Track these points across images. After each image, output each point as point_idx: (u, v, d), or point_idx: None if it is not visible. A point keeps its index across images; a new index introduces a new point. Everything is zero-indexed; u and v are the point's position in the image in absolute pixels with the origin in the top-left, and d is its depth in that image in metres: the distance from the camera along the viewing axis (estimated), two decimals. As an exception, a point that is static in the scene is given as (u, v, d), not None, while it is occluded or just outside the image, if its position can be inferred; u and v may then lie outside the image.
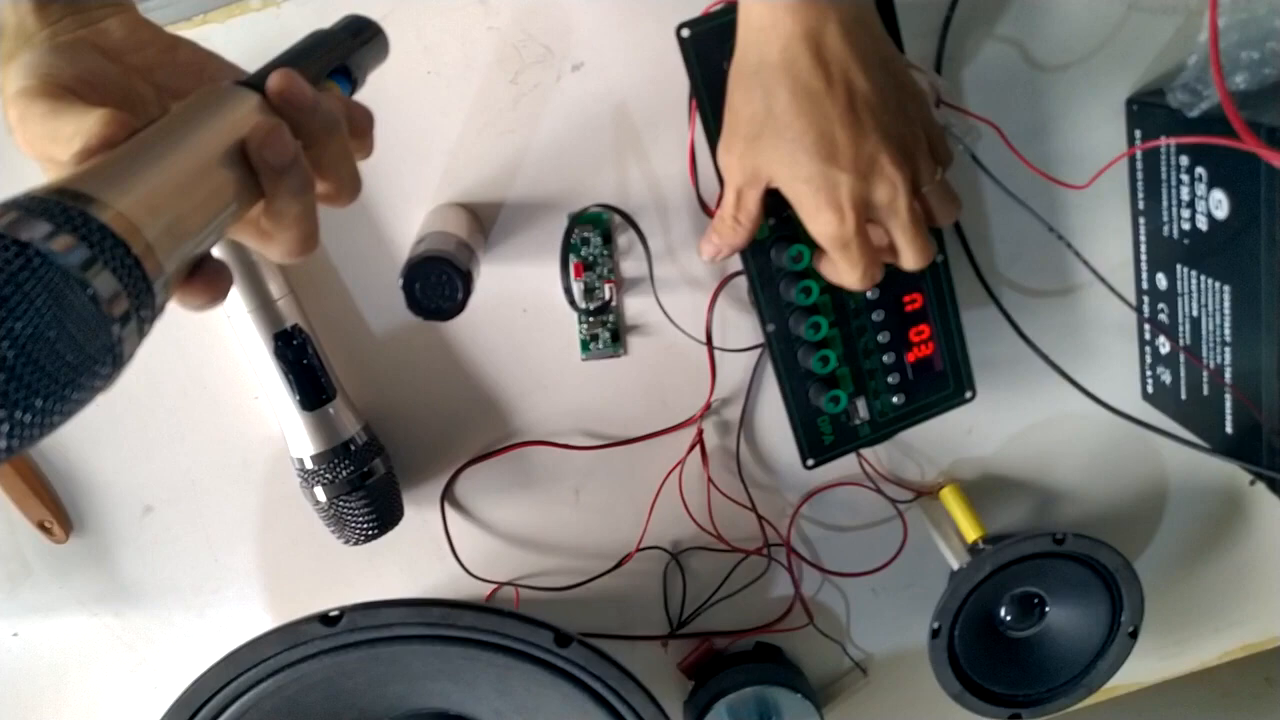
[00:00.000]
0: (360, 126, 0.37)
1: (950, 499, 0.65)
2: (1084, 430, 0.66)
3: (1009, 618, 0.67)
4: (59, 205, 0.24)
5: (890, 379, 0.57)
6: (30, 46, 0.36)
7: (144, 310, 0.26)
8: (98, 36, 0.37)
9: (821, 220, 0.45)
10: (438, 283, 0.47)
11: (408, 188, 0.56)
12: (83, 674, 0.65)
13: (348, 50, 0.38)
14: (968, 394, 0.59)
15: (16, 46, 0.36)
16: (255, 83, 0.33)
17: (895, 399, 0.57)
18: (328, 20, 0.52)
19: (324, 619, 0.50)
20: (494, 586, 0.65)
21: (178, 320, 0.57)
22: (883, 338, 0.56)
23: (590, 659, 0.52)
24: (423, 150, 0.55)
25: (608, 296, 0.58)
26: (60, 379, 0.23)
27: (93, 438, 0.60)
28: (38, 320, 0.22)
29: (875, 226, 0.47)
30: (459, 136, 0.55)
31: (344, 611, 0.51)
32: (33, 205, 0.24)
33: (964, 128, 0.49)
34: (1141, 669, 0.74)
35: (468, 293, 0.47)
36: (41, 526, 0.61)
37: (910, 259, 0.47)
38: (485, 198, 0.57)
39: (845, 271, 0.47)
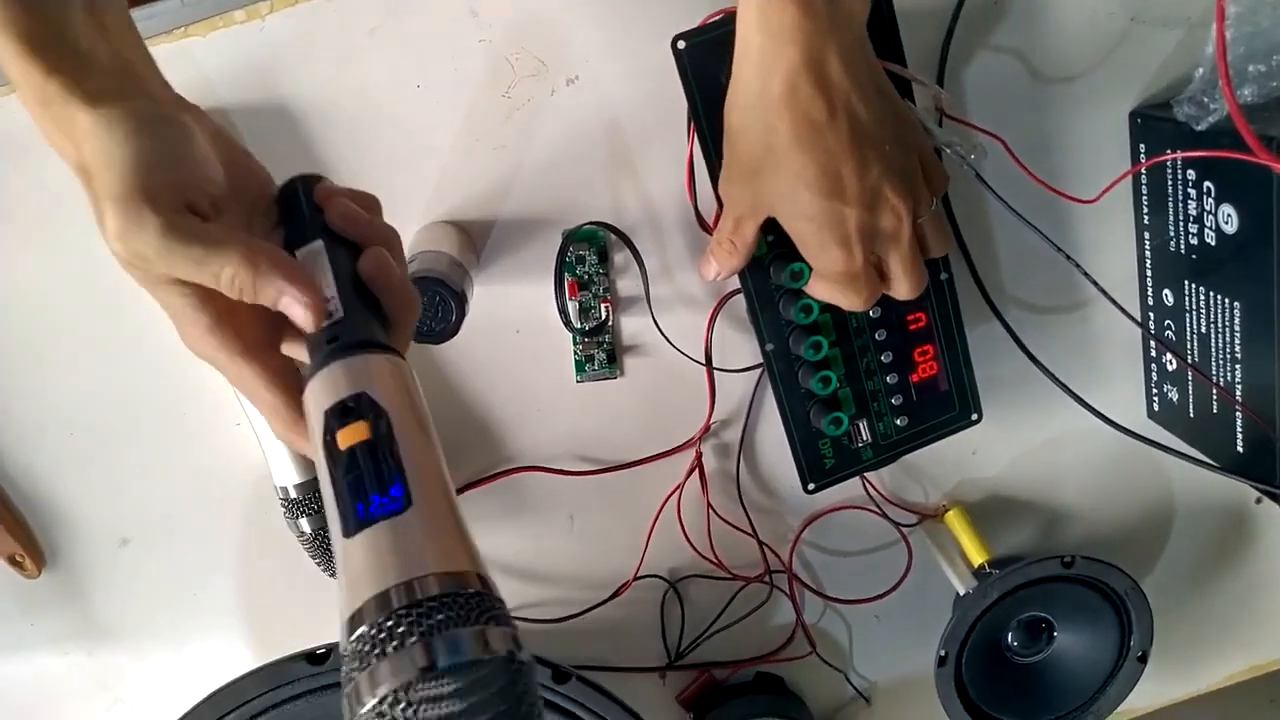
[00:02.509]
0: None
1: (955, 522, 0.63)
2: (1091, 449, 0.65)
3: (1016, 643, 0.65)
4: (481, 602, 0.28)
5: (894, 400, 0.55)
6: (134, 97, 0.34)
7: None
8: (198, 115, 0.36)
9: (828, 257, 0.44)
10: (431, 304, 0.45)
11: (398, 205, 0.54)
12: (54, 715, 0.62)
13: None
14: (974, 416, 0.57)
15: (95, 78, 0.34)
16: (377, 342, 0.34)
17: (899, 421, 0.56)
18: (316, 32, 0.51)
19: (310, 657, 0.48)
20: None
21: (156, 346, 0.55)
22: (886, 358, 0.54)
23: (589, 695, 0.50)
24: (413, 166, 0.53)
25: (604, 316, 0.56)
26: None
27: (67, 468, 0.57)
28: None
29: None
30: (450, 152, 0.53)
31: (331, 649, 0.48)
32: (466, 611, 0.27)
33: (967, 146, 0.48)
34: (1147, 693, 0.72)
35: (462, 314, 0.45)
36: (12, 561, 0.58)
37: (906, 288, 0.47)
38: (477, 215, 0.55)
39: (847, 300, 0.46)
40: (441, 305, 0.45)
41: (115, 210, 0.32)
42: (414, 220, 0.54)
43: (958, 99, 0.55)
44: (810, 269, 0.49)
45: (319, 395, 0.32)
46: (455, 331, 0.46)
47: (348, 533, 0.29)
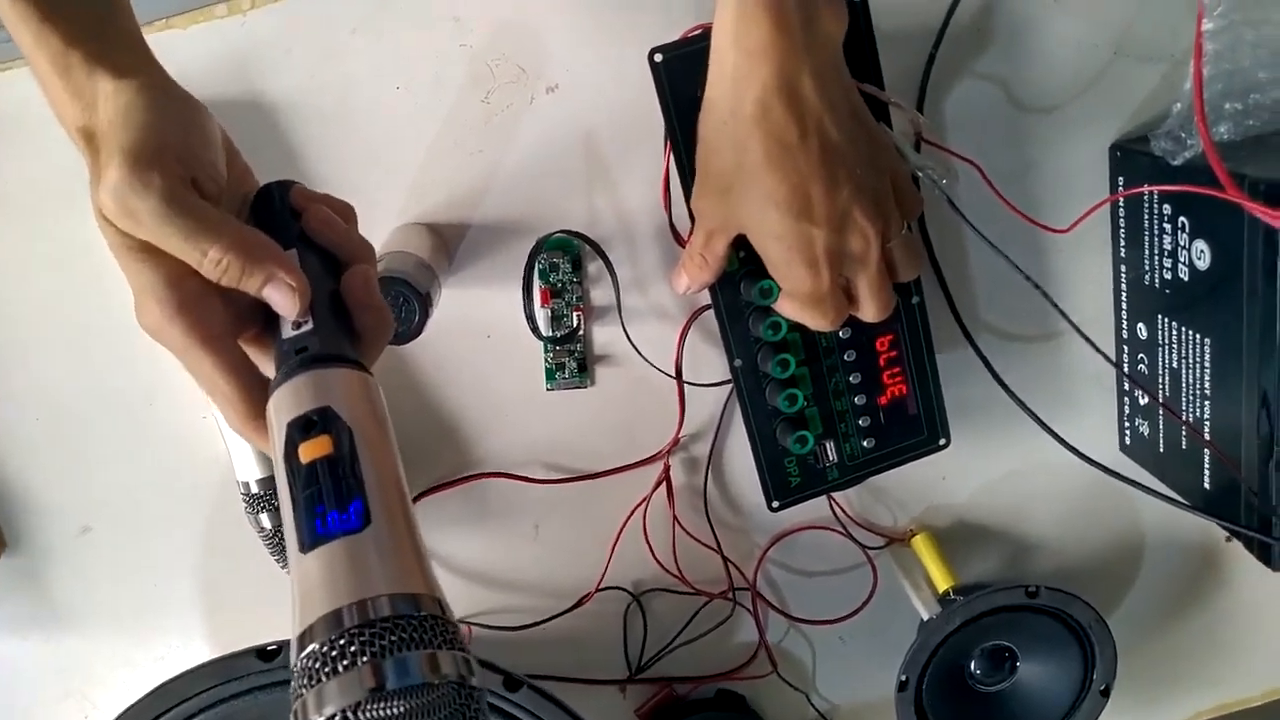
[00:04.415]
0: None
1: (922, 547, 0.63)
2: (1060, 480, 0.65)
3: (979, 671, 0.64)
4: (434, 625, 0.28)
5: (861, 421, 0.55)
6: (155, 72, 0.35)
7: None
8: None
9: (795, 277, 0.44)
10: (395, 305, 0.45)
11: (373, 205, 0.54)
12: (7, 701, 0.62)
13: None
14: (941, 440, 0.57)
15: (117, 52, 0.34)
16: (346, 357, 0.34)
17: (866, 442, 0.56)
18: (297, 29, 0.51)
19: (261, 653, 0.48)
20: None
21: (125, 335, 0.55)
22: (854, 379, 0.54)
23: (541, 705, 0.50)
24: (389, 167, 0.54)
25: (575, 324, 0.56)
26: None
27: (30, 452, 0.57)
28: None
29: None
30: (427, 154, 0.53)
31: (282, 646, 0.48)
32: (418, 633, 0.27)
33: (940, 170, 0.48)
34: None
35: (425, 316, 0.45)
36: (-28, 544, 0.58)
37: (872, 312, 0.47)
38: (451, 218, 0.55)
39: (813, 321, 0.46)
40: (405, 306, 0.45)
41: (123, 163, 0.32)
42: (388, 220, 0.54)
43: (936, 124, 0.56)
44: (779, 287, 0.49)
45: (283, 405, 0.32)
46: (418, 333, 0.45)
47: (303, 548, 0.29)
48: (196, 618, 0.61)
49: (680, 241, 0.55)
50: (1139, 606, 0.69)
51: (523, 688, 0.50)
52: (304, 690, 0.26)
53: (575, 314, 0.56)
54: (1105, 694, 0.63)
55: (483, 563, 0.62)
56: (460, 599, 0.62)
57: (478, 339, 0.57)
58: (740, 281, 0.51)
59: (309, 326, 0.34)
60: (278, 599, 0.61)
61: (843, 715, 0.69)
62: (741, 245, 0.48)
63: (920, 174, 0.48)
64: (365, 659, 0.26)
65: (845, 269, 0.44)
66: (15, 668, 0.61)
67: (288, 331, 0.35)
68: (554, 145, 0.54)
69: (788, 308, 0.48)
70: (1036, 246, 0.59)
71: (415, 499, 0.60)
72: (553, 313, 0.56)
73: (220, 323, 0.35)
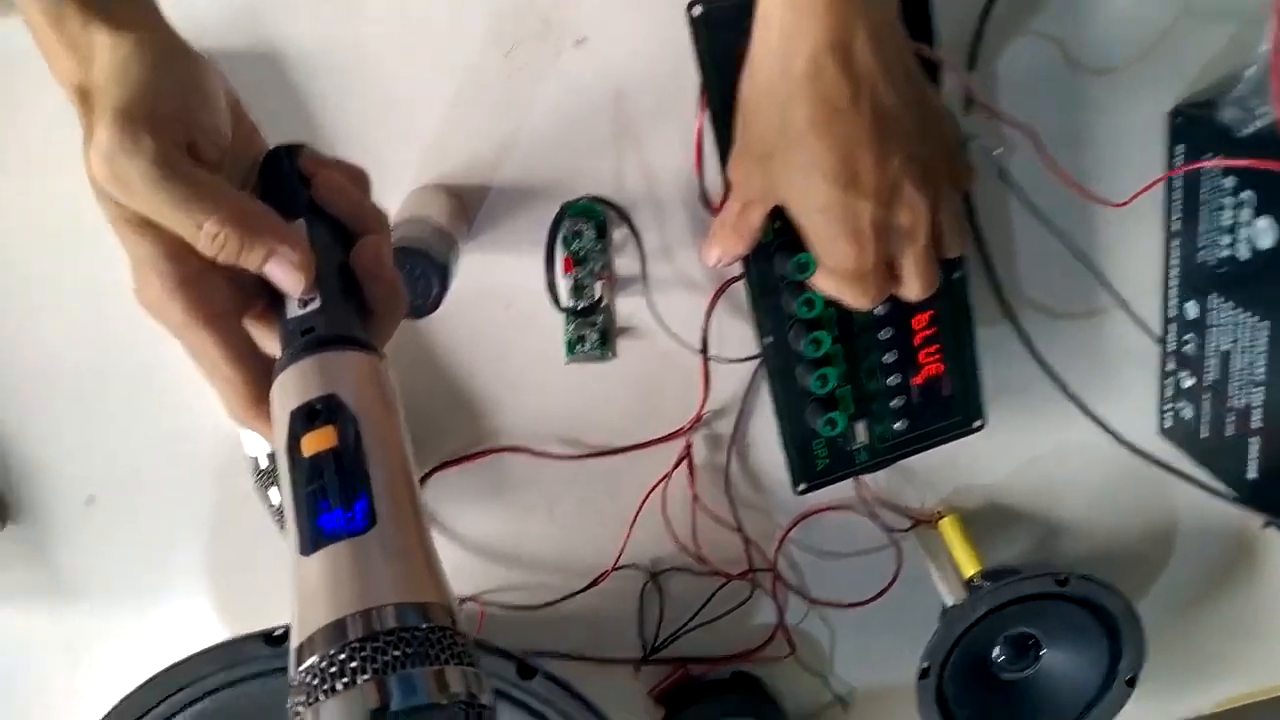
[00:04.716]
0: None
1: (949, 530, 0.61)
2: (1095, 463, 0.62)
3: (1002, 658, 0.63)
4: (443, 638, 0.26)
5: (894, 403, 0.53)
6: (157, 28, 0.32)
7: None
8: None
9: (837, 252, 0.41)
10: (411, 277, 0.42)
11: (386, 166, 0.51)
12: (10, 674, 0.61)
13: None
14: (976, 423, 0.55)
15: (115, 2, 0.31)
16: (355, 339, 0.32)
17: (898, 425, 0.53)
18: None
19: (267, 638, 0.46)
20: (458, 601, 0.60)
21: (130, 300, 0.52)
22: (889, 358, 0.52)
23: (555, 692, 0.48)
24: (406, 126, 0.51)
25: (598, 295, 0.54)
26: None
27: (33, 422, 0.55)
28: None
29: None
30: (446, 113, 0.50)
31: (289, 630, 0.46)
32: (425, 647, 0.25)
33: (994, 140, 0.45)
34: (1133, 713, 0.70)
35: (443, 289, 0.43)
36: (-29, 512, 0.56)
37: (916, 290, 0.44)
38: (471, 180, 0.52)
39: (853, 298, 0.43)
40: (421, 279, 0.42)
41: (113, 124, 0.29)
42: (405, 182, 0.52)
43: (988, 86, 0.52)
44: (816, 261, 0.47)
45: (286, 391, 0.30)
46: (435, 307, 0.43)
47: (304, 549, 0.27)
48: (203, 590, 0.59)
49: (712, 209, 0.52)
50: (1168, 592, 0.67)
51: (537, 675, 0.48)
52: (301, 708, 0.24)
53: (598, 283, 0.54)
54: (1131, 684, 0.61)
55: (496, 538, 0.60)
56: (472, 575, 0.61)
57: (495, 309, 0.55)
58: (774, 254, 0.48)
59: (316, 304, 0.32)
60: (282, 569, 0.59)
61: (860, 698, 0.67)
62: (777, 215, 0.45)
63: (973, 142, 0.45)
64: (367, 676, 0.24)
65: (891, 244, 0.42)
66: (21, 638, 0.60)
67: (293, 310, 0.32)
68: (581, 103, 0.51)
69: (826, 283, 0.46)
70: (1083, 216, 0.56)
71: (427, 474, 0.57)
72: (575, 282, 0.54)
73: (223, 300, 0.32)
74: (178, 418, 0.56)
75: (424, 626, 0.25)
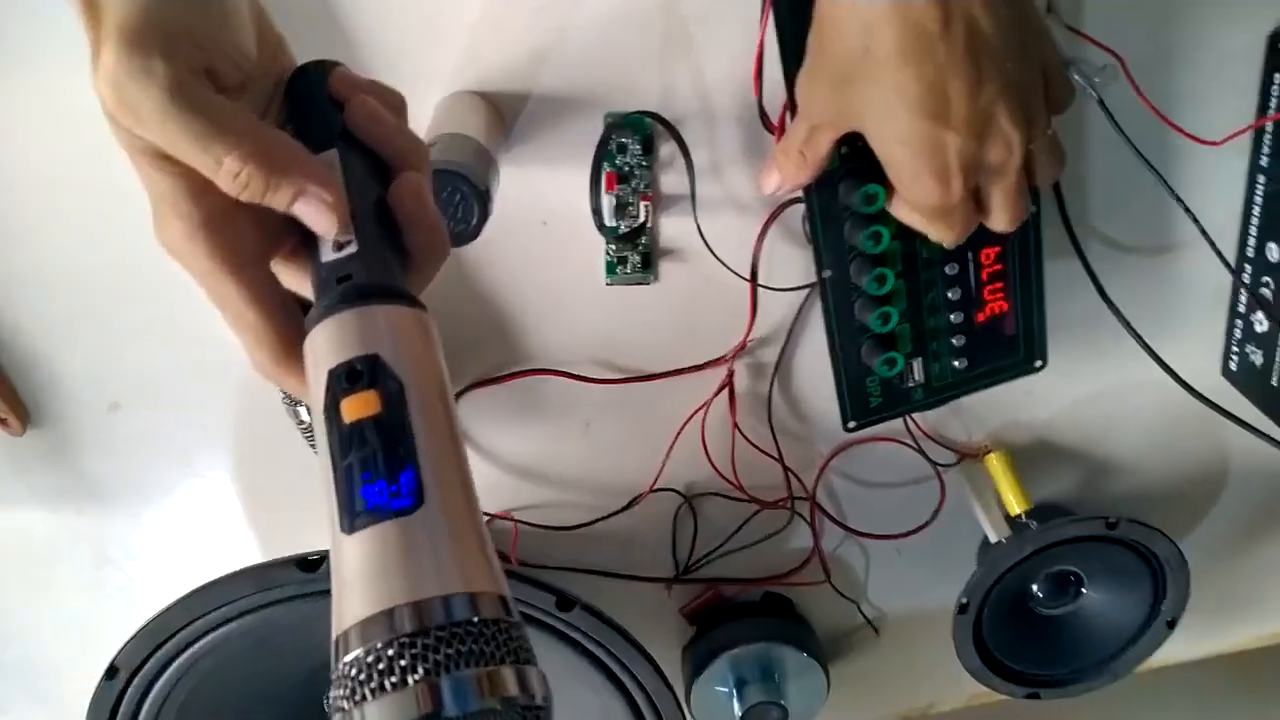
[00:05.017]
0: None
1: (996, 466, 0.59)
2: (1151, 402, 0.60)
3: (1041, 594, 0.62)
4: (498, 633, 0.24)
5: (954, 340, 0.50)
6: None
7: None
8: None
9: (922, 187, 0.37)
10: (449, 202, 0.39)
11: (418, 68, 0.47)
12: (42, 568, 0.61)
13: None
14: (1037, 363, 0.52)
15: None
16: (398, 290, 0.29)
17: (956, 363, 0.51)
18: None
19: (302, 564, 0.45)
20: (489, 517, 0.60)
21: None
22: (953, 294, 0.49)
23: (593, 625, 0.48)
24: (439, 25, 0.46)
25: (642, 217, 0.50)
26: None
27: (56, 326, 0.53)
28: None
29: None
30: (483, 11, 0.46)
31: (324, 556, 0.45)
32: (481, 644, 0.24)
33: (1093, 66, 0.41)
34: (1167, 647, 0.70)
35: (485, 216, 0.40)
36: (-5, 417, 0.55)
37: (1004, 222, 0.41)
38: (509, 87, 0.48)
39: (935, 233, 0.40)
40: (462, 204, 0.39)
41: (119, 46, 0.26)
42: (436, 87, 0.48)
43: (1070, 3, 0.47)
44: (886, 192, 0.43)
45: (323, 347, 0.27)
46: (475, 235, 0.40)
47: (346, 527, 0.25)
48: (232, 496, 0.59)
49: (770, 128, 0.48)
50: (1211, 532, 0.66)
51: (575, 607, 0.47)
52: (345, 702, 0.23)
53: (643, 203, 0.51)
54: (1171, 625, 0.60)
55: (529, 458, 0.59)
56: (504, 491, 0.60)
57: (533, 226, 0.52)
58: (839, 182, 0.45)
59: (353, 249, 0.29)
60: (311, 479, 0.58)
61: (890, 623, 0.67)
62: (846, 141, 0.42)
63: (1072, 68, 0.41)
64: (419, 676, 0.23)
65: (979, 178, 0.38)
66: (49, 537, 0.59)
67: (328, 253, 0.29)
68: (630, 5, 0.47)
69: (905, 214, 0.42)
70: (1163, 145, 0.52)
71: (460, 392, 0.56)
72: (618, 200, 0.50)
73: (250, 243, 0.29)
74: (205, 326, 0.53)
75: (477, 620, 0.24)
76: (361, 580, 0.24)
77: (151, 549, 0.60)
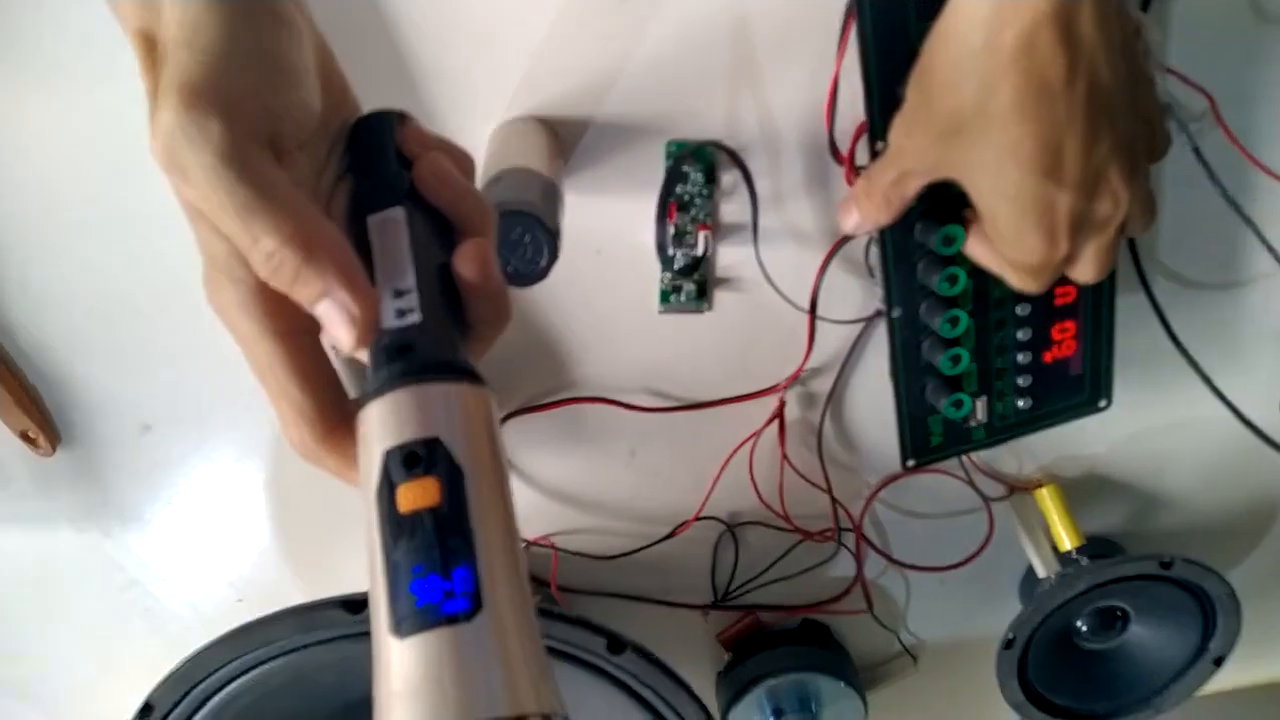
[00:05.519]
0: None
1: (1049, 501, 0.58)
2: (1208, 439, 0.59)
3: (1085, 629, 0.61)
4: None
5: (1020, 380, 0.49)
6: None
7: None
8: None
9: (1024, 244, 0.36)
10: (519, 243, 0.37)
11: (479, 94, 0.45)
12: (68, 590, 0.59)
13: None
14: (1102, 403, 0.51)
15: None
16: (463, 367, 0.27)
17: (1021, 402, 0.49)
18: None
19: (346, 605, 0.44)
20: (527, 542, 0.58)
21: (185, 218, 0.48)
22: (1022, 334, 0.47)
23: (643, 668, 0.46)
24: (502, 49, 0.44)
25: (701, 250, 0.49)
26: None
27: (88, 346, 0.51)
28: None
29: None
30: (548, 38, 0.44)
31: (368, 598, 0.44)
32: None
33: (1190, 113, 0.39)
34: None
35: (554, 256, 0.38)
36: (24, 437, 0.53)
37: (1091, 275, 0.39)
38: (570, 113, 0.46)
39: (1021, 283, 0.39)
40: (531, 244, 0.37)
41: (179, 103, 0.24)
42: (496, 112, 0.46)
43: (1162, 37, 0.46)
44: (964, 235, 0.42)
45: (380, 424, 0.25)
46: (543, 276, 0.38)
47: (398, 631, 0.23)
48: (265, 522, 0.57)
49: (839, 159, 0.46)
50: (1259, 564, 0.65)
51: (626, 650, 0.46)
52: None
53: (701, 233, 0.49)
54: (1218, 664, 0.60)
55: (571, 483, 0.57)
56: (544, 516, 0.58)
57: (586, 253, 0.50)
58: (916, 223, 0.43)
59: (416, 317, 0.27)
60: (354, 514, 0.57)
61: (929, 652, 0.66)
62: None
63: (1169, 115, 0.39)
64: None
65: (1081, 235, 0.37)
66: (76, 559, 0.58)
67: (389, 319, 0.27)
68: (697, 33, 0.45)
69: (986, 258, 0.41)
70: (1234, 176, 0.50)
71: (505, 418, 0.54)
72: (676, 229, 0.49)
73: (303, 314, 0.27)
74: (239, 348, 0.52)
75: None
76: (409, 693, 0.22)
77: (179, 573, 0.59)
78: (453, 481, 0.24)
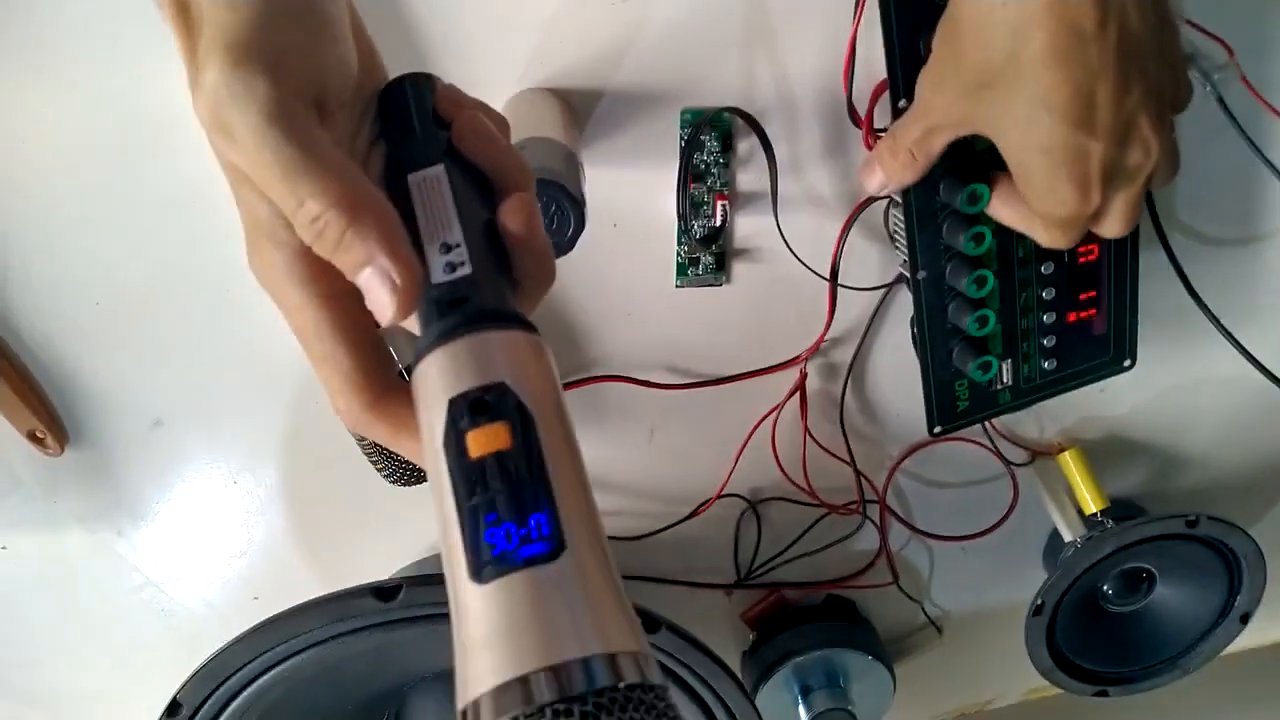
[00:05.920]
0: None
1: (1071, 464, 0.57)
2: (1230, 395, 0.59)
3: (1111, 591, 0.61)
4: (643, 701, 0.21)
5: (1045, 341, 0.48)
6: None
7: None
8: None
9: (1057, 196, 0.35)
10: (545, 213, 0.36)
11: (491, 64, 0.44)
12: (80, 591, 0.58)
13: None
14: (1126, 362, 0.50)
15: None
16: (517, 316, 0.26)
17: (1046, 363, 0.49)
18: None
19: (378, 592, 0.43)
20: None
21: (199, 212, 0.47)
22: (1047, 294, 0.47)
23: (678, 645, 0.46)
24: (513, 18, 0.44)
25: (719, 220, 0.48)
26: None
27: (95, 341, 0.50)
28: None
29: None
30: (559, 6, 0.43)
31: (400, 585, 0.43)
32: (632, 715, 0.21)
33: (1213, 64, 0.39)
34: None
35: (581, 226, 0.37)
36: (32, 437, 0.52)
37: (1119, 228, 0.39)
38: (582, 84, 0.45)
39: (1049, 239, 0.38)
40: (558, 216, 0.36)
41: (224, 62, 0.24)
42: (508, 84, 0.45)
43: (1180, -16, 0.45)
44: (989, 193, 0.41)
45: (441, 375, 0.24)
46: (570, 247, 0.38)
47: (479, 577, 0.22)
48: (280, 517, 0.56)
49: (857, 122, 0.46)
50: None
51: (661, 629, 0.45)
52: None
53: (719, 203, 0.48)
54: (1244, 620, 0.59)
55: (590, 464, 0.55)
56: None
57: (602, 227, 0.49)
58: (940, 182, 0.42)
59: (466, 270, 0.26)
60: (372, 504, 0.56)
61: (953, 622, 0.66)
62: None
63: (1193, 65, 0.39)
64: None
65: (1112, 185, 0.36)
66: (88, 559, 0.57)
67: (438, 274, 0.26)
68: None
69: (1010, 215, 0.40)
70: (1252, 127, 0.50)
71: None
72: (692, 199, 0.48)
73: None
74: (251, 336, 0.51)
75: (621, 687, 0.21)
76: (492, 639, 0.22)
77: (193, 571, 0.58)
78: (524, 425, 0.24)
